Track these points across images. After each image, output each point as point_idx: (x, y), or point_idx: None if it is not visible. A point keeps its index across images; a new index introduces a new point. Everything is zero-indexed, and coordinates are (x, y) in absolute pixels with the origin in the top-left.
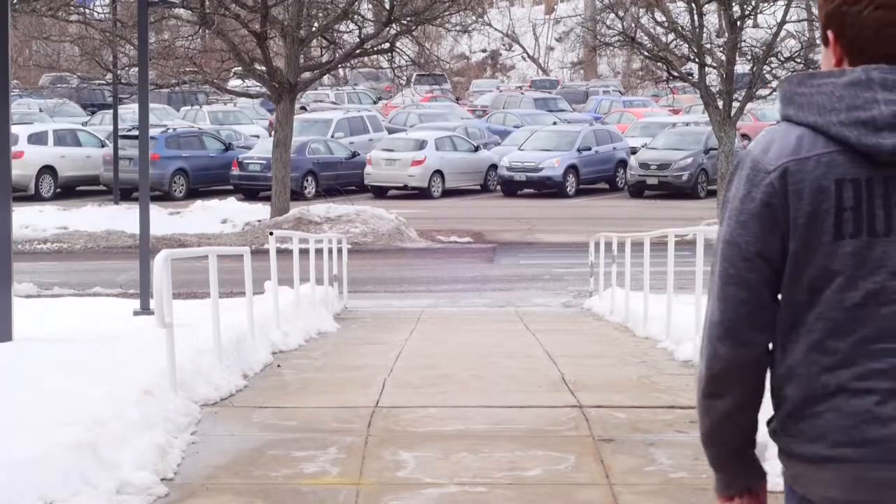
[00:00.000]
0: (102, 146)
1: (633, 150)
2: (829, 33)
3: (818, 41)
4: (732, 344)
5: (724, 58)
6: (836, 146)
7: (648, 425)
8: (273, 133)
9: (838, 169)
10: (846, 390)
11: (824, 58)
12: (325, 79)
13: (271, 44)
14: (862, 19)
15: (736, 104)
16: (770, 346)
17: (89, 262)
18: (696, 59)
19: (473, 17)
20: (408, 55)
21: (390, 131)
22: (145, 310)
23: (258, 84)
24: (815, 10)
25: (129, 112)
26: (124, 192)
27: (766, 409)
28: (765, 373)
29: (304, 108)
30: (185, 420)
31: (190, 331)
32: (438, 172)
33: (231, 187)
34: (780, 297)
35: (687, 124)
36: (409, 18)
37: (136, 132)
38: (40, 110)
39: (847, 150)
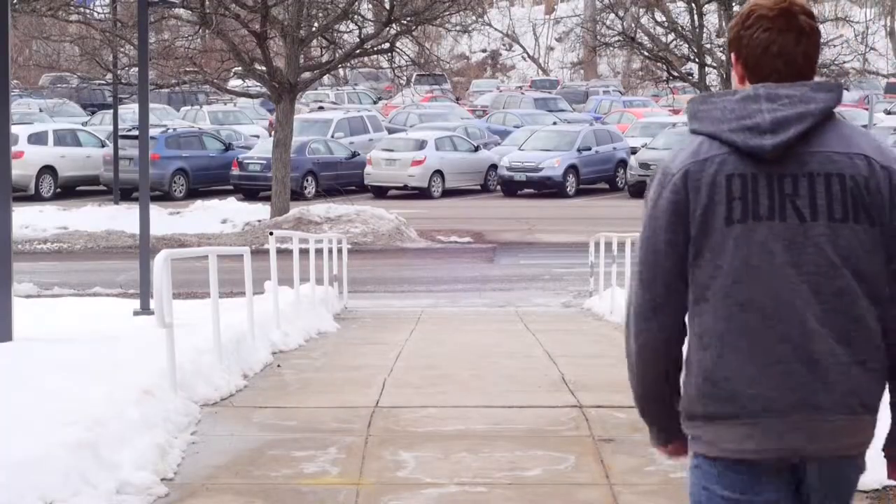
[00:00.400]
0: (102, 146)
1: (634, 150)
2: (732, 55)
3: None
4: (654, 321)
5: (724, 58)
6: (728, 148)
7: None
8: (273, 133)
9: (728, 166)
10: (741, 358)
11: (733, 77)
12: (325, 79)
13: (271, 44)
14: (752, 41)
15: None
16: (684, 321)
17: (89, 262)
18: (696, 59)
19: (473, 17)
20: (408, 55)
21: (390, 131)
22: (145, 310)
23: (258, 84)
24: (815, 11)
25: (129, 112)
26: (124, 192)
27: None
28: (682, 344)
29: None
30: (185, 420)
31: (190, 331)
32: (438, 172)
33: (231, 187)
34: (688, 277)
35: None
36: (409, 18)
37: (136, 132)
38: (40, 110)
39: (736, 151)
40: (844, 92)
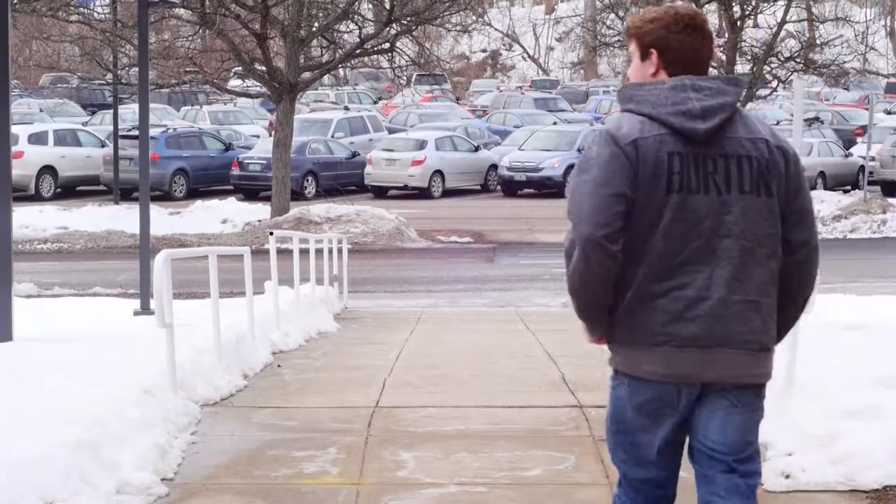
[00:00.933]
0: (102, 146)
1: None
2: (653, 51)
3: (818, 41)
4: (596, 250)
5: (724, 58)
6: (666, 129)
7: None
8: (273, 133)
9: (668, 145)
10: (665, 296)
11: (636, 69)
12: (326, 79)
13: (271, 44)
14: (679, 41)
15: None
16: (619, 254)
17: (89, 262)
18: None
19: (473, 17)
20: (408, 55)
21: (390, 131)
22: (145, 310)
23: (258, 84)
24: (815, 10)
25: (129, 112)
26: (124, 192)
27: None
28: (615, 275)
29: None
30: (185, 420)
31: (190, 331)
32: (438, 172)
33: (231, 187)
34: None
35: None
36: (409, 18)
37: (136, 132)
38: (40, 110)
39: (673, 132)
40: (844, 92)
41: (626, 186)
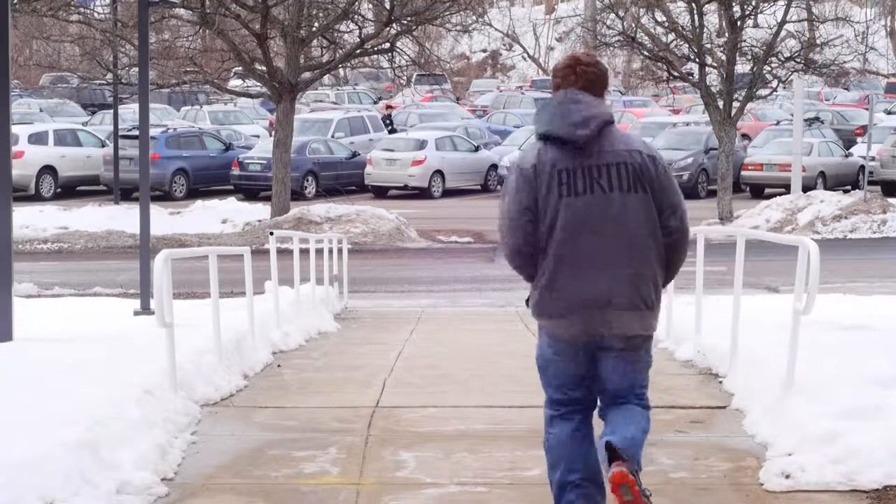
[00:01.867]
0: (103, 146)
1: None
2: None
3: (818, 41)
4: (518, 254)
5: (724, 58)
6: (556, 149)
7: None
8: (273, 133)
9: (559, 164)
10: (567, 277)
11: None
12: (326, 79)
13: (272, 44)
14: (560, 73)
15: (736, 104)
16: (534, 248)
17: (89, 262)
18: (697, 59)
19: (474, 17)
20: (408, 55)
21: (391, 131)
22: (145, 310)
23: (258, 84)
24: (815, 11)
25: (129, 112)
26: (125, 192)
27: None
28: (535, 263)
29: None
30: (185, 420)
31: (190, 331)
32: (439, 172)
33: (231, 187)
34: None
35: (687, 124)
36: (409, 18)
37: (136, 132)
38: (40, 110)
39: (562, 145)
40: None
41: (529, 202)
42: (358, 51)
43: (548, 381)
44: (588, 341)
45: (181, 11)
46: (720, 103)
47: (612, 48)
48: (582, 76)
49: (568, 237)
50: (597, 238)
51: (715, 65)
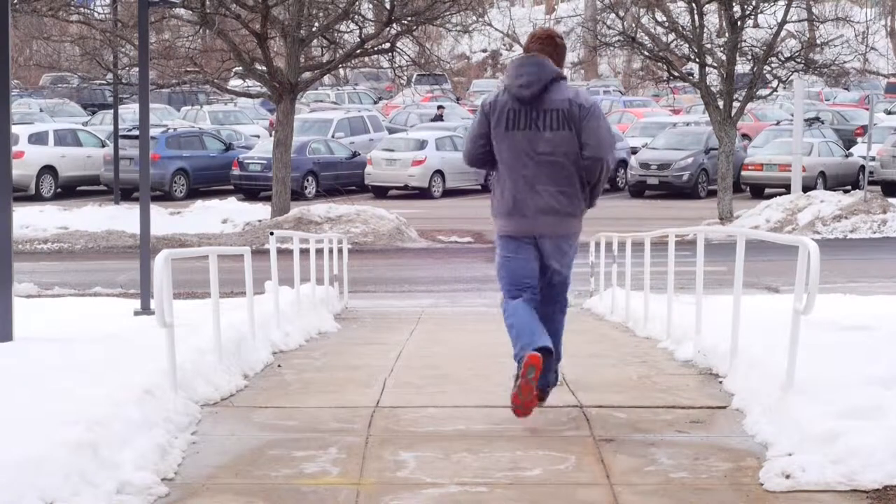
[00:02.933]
0: (103, 146)
1: (634, 150)
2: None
3: (818, 41)
4: (471, 164)
5: (724, 58)
6: (509, 95)
7: (649, 425)
8: (273, 133)
9: (508, 105)
10: (511, 189)
11: None
12: (326, 79)
13: (272, 44)
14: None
15: (736, 104)
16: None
17: (89, 262)
18: (697, 59)
19: (474, 17)
20: (408, 55)
21: (391, 131)
22: (146, 310)
23: (258, 84)
24: (815, 10)
25: (129, 112)
26: (125, 192)
27: None
28: (485, 169)
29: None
30: (185, 420)
31: (190, 331)
32: (439, 172)
33: (231, 187)
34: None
35: (687, 124)
36: (409, 18)
37: (136, 132)
38: (41, 110)
39: (512, 95)
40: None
41: (484, 130)
42: (358, 51)
43: (504, 276)
44: (528, 238)
45: (181, 11)
46: (720, 103)
47: (612, 48)
48: (540, 43)
49: (511, 159)
50: (532, 162)
51: (715, 65)
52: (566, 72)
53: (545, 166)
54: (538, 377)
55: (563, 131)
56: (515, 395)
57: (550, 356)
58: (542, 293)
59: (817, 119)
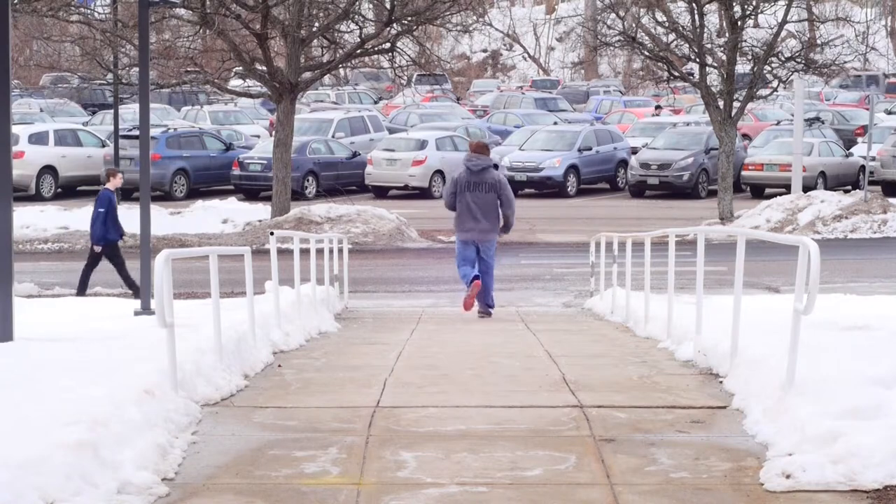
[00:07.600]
0: (103, 146)
1: (634, 150)
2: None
3: (818, 41)
4: (449, 208)
5: (724, 58)
6: (466, 171)
7: (649, 425)
8: (274, 133)
9: (465, 179)
10: (463, 218)
11: None
12: (326, 79)
13: (272, 44)
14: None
15: (737, 104)
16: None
17: None
18: (697, 59)
19: (474, 17)
20: (408, 55)
21: (391, 131)
22: (146, 310)
23: (259, 84)
24: (815, 10)
25: (129, 112)
26: (125, 192)
27: None
28: (455, 210)
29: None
30: (185, 420)
31: (191, 331)
32: (439, 172)
33: (232, 187)
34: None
35: (688, 124)
36: (409, 18)
37: (136, 132)
38: (41, 110)
39: (469, 172)
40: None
41: (455, 188)
42: (358, 51)
43: (459, 257)
44: (472, 241)
45: (181, 11)
46: (720, 103)
47: (612, 48)
48: (477, 150)
49: (465, 204)
50: (476, 206)
51: (715, 65)
52: (566, 72)
53: (482, 208)
54: (476, 293)
55: (491, 193)
56: (465, 299)
57: (481, 282)
58: (479, 267)
59: (817, 119)
